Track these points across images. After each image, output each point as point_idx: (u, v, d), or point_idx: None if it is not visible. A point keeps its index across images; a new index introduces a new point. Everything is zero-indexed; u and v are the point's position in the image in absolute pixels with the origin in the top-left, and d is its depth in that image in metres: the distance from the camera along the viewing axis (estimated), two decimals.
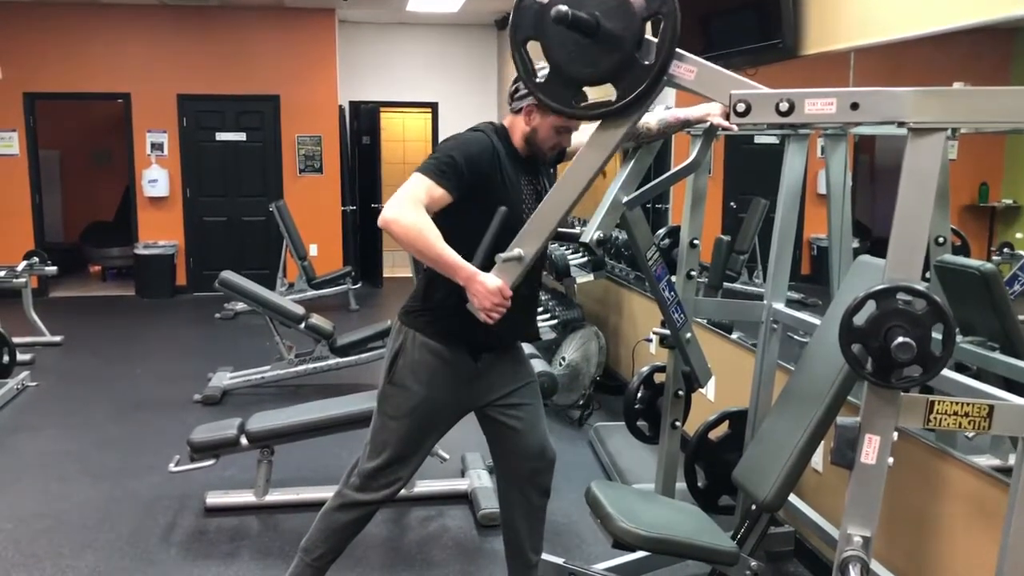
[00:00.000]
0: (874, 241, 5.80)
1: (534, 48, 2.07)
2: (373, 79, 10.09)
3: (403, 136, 11.42)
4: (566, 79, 2.04)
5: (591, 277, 5.30)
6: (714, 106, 2.55)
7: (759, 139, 6.55)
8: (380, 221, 2.28)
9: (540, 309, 5.50)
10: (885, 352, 1.84)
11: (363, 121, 9.91)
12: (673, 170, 2.77)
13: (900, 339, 1.76)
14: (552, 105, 2.08)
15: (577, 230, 2.83)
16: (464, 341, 2.56)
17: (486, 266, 2.25)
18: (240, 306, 7.72)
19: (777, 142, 6.50)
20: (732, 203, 6.53)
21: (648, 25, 1.97)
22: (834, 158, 3.11)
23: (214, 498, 3.77)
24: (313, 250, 9.24)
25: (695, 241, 3.06)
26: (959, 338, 2.55)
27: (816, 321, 3.10)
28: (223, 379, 5.56)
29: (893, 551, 2.72)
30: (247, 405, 5.30)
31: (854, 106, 1.84)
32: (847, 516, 1.99)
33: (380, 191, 9.82)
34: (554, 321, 5.34)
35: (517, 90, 2.49)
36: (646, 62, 1.96)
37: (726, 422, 3.30)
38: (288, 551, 3.31)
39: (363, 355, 5.67)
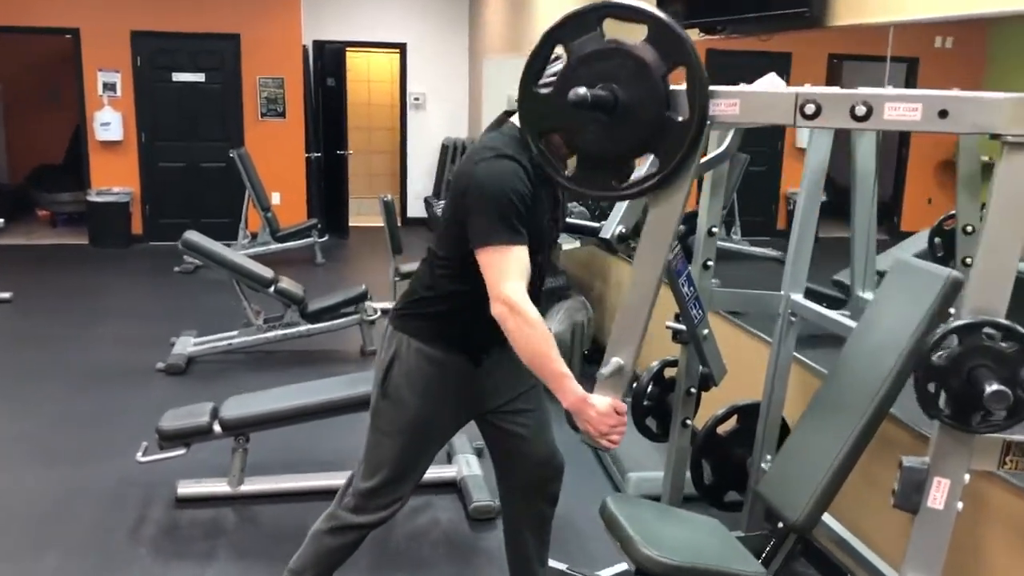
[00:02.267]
0: (838, 191, 5.77)
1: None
2: (338, 18, 9.62)
3: (368, 76, 10.97)
4: (598, 163, 1.84)
5: (577, 244, 5.07)
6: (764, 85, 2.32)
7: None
8: (503, 310, 2.01)
9: None
10: (967, 393, 1.65)
11: (328, 62, 9.46)
12: (704, 159, 2.52)
13: (994, 387, 1.56)
14: (592, 195, 1.92)
15: (594, 223, 2.58)
16: (465, 345, 2.33)
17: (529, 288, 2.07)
18: None
19: None
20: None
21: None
22: (862, 145, 2.89)
23: (186, 487, 3.52)
24: (276, 199, 8.86)
25: (713, 229, 2.83)
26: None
27: (836, 316, 2.94)
28: (187, 345, 5.26)
29: None
30: (214, 375, 5.05)
31: (943, 114, 1.63)
32: (909, 561, 1.82)
33: (346, 137, 9.44)
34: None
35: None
36: (679, 118, 1.73)
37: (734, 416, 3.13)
38: (269, 550, 3.10)
39: (336, 321, 5.41)
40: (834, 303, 3.23)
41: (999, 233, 1.62)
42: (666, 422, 3.02)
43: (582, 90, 1.70)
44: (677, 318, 2.86)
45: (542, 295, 2.30)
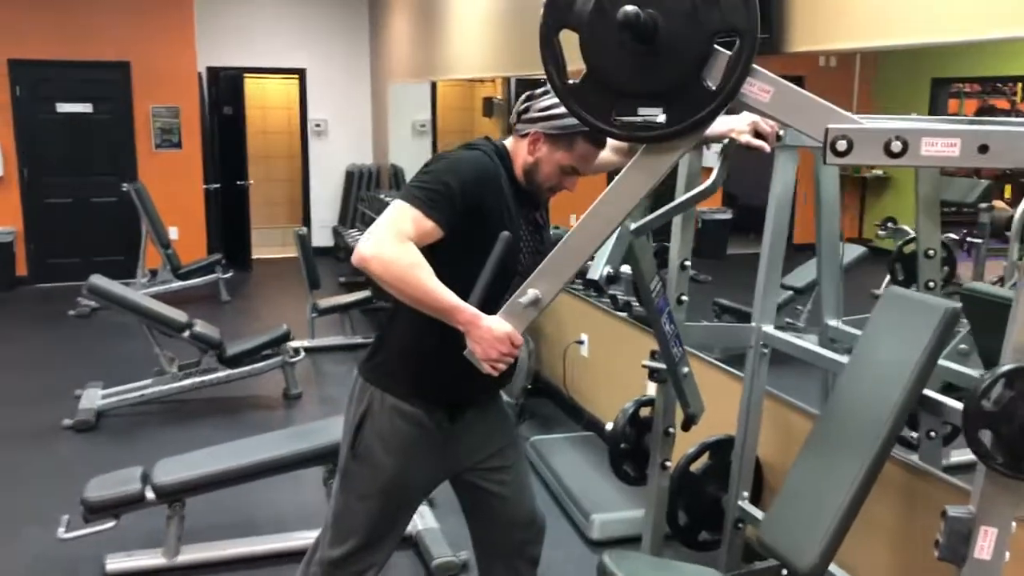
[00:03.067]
0: (740, 208, 5.75)
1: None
2: (234, 44, 9.26)
3: (263, 103, 10.58)
4: (606, 87, 1.62)
5: None
6: (740, 121, 2.22)
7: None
8: (355, 258, 1.85)
9: None
10: (1020, 439, 1.58)
11: (224, 89, 9.08)
12: (689, 194, 2.42)
13: None
14: (586, 117, 1.65)
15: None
16: (443, 399, 2.16)
17: (483, 307, 1.86)
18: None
19: None
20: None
21: None
22: (827, 170, 2.86)
23: (116, 563, 3.19)
24: (173, 233, 8.39)
25: (686, 263, 2.74)
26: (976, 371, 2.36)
27: (806, 344, 2.89)
28: (95, 398, 4.85)
29: None
30: (128, 429, 4.69)
31: (983, 149, 1.55)
32: None
33: (245, 166, 9.06)
34: None
35: (527, 109, 2.07)
36: (709, 84, 1.60)
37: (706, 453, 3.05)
38: None
39: (257, 365, 5.09)
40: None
41: None
42: (642, 465, 2.90)
43: (632, 8, 1.49)
44: (652, 355, 2.76)
45: None
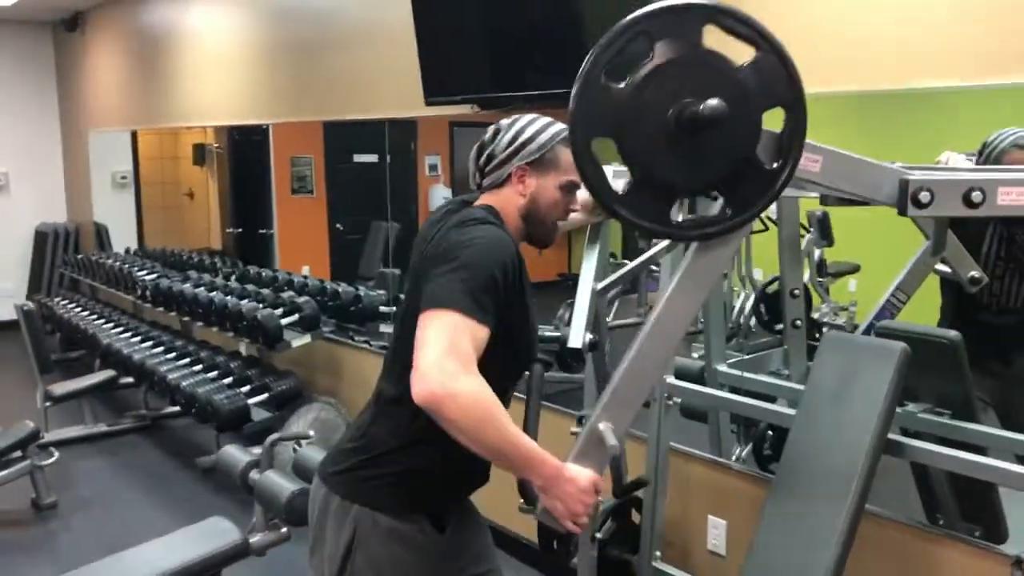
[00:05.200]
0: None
1: None
2: None
3: None
4: (660, 188, 1.46)
5: (308, 339, 4.49)
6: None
7: (358, 158, 6.33)
8: (424, 396, 1.45)
9: (244, 385, 4.54)
10: None
11: None
12: (655, 249, 2.27)
13: None
14: (644, 225, 1.47)
15: (554, 332, 2.19)
16: (436, 506, 1.83)
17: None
18: None
19: (376, 160, 6.48)
20: (339, 224, 6.22)
21: None
22: (788, 206, 2.83)
23: None
24: None
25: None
26: (915, 408, 2.45)
27: (717, 393, 2.86)
28: None
29: None
30: None
31: None
32: None
33: None
34: (264, 395, 4.44)
35: (492, 155, 1.81)
36: (767, 164, 1.48)
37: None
38: None
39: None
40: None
41: None
42: (567, 541, 2.69)
43: (716, 101, 1.34)
44: (579, 421, 2.57)
45: None
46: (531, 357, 1.81)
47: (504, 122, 1.82)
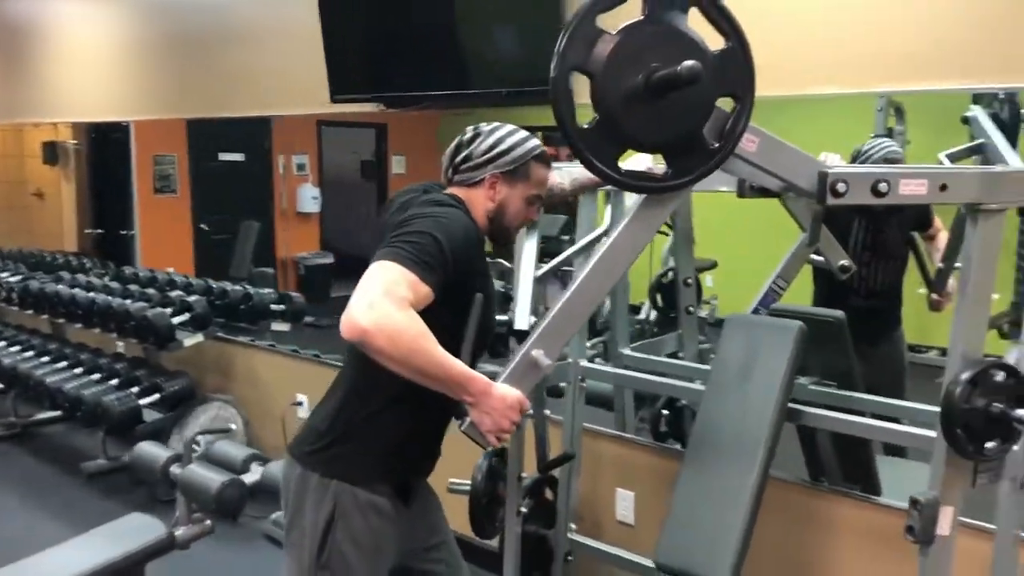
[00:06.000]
0: (340, 256, 6.31)
1: None
2: None
3: None
4: (615, 135, 1.62)
5: (200, 337, 4.44)
6: (641, 161, 2.32)
7: (224, 156, 6.32)
8: (349, 329, 1.53)
9: (134, 386, 4.43)
10: (985, 428, 1.90)
11: None
12: (588, 238, 2.45)
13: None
14: (593, 163, 1.61)
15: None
16: (407, 476, 1.97)
17: None
18: None
19: (241, 159, 6.46)
20: (203, 225, 6.19)
21: None
22: (683, 214, 3.04)
23: None
24: None
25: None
26: (806, 380, 2.74)
27: (628, 373, 3.07)
28: None
29: None
30: None
31: (943, 188, 1.85)
32: None
33: None
34: (156, 396, 4.35)
35: (468, 157, 1.94)
36: (712, 143, 1.69)
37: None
38: None
39: None
40: None
41: (977, 288, 1.90)
42: (495, 516, 2.83)
43: (694, 62, 1.49)
44: None
45: None
46: (487, 342, 1.94)
47: (484, 127, 1.94)
